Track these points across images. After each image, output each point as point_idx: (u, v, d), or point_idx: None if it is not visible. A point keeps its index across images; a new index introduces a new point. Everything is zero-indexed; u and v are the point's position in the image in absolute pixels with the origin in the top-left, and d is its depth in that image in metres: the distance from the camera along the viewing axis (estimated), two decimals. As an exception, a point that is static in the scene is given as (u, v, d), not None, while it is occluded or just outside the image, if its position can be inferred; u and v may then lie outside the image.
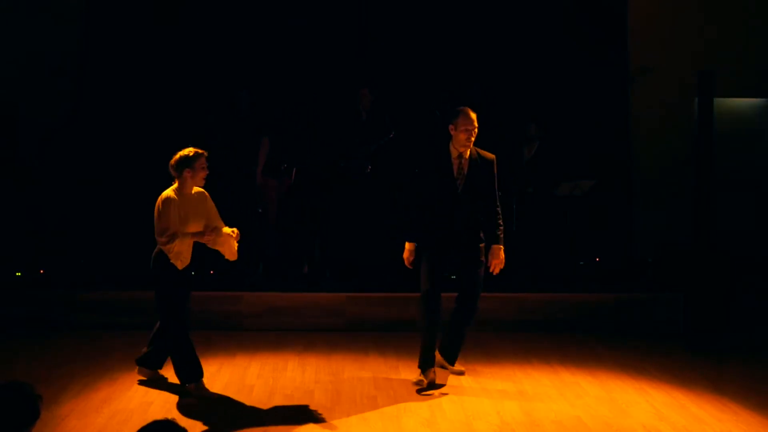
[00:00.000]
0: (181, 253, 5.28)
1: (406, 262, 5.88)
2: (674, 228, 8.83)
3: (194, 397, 5.35)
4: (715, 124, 7.44)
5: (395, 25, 8.92)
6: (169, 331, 5.41)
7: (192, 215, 5.32)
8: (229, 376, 5.89)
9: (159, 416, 4.85)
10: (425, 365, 5.73)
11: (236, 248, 5.52)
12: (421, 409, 5.24)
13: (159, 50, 8.71)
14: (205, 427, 4.84)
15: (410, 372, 5.97)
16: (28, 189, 8.36)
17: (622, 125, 9.11)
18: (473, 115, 5.61)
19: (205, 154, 5.32)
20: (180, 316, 5.39)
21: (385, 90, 8.58)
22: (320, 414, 5.12)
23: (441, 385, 5.70)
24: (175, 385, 5.60)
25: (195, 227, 5.32)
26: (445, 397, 5.48)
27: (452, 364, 5.96)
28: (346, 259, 8.28)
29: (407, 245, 5.87)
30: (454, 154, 5.67)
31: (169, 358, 5.60)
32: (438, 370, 5.83)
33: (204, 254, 5.67)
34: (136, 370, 5.82)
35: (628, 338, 7.17)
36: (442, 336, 5.92)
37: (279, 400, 5.36)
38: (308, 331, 7.20)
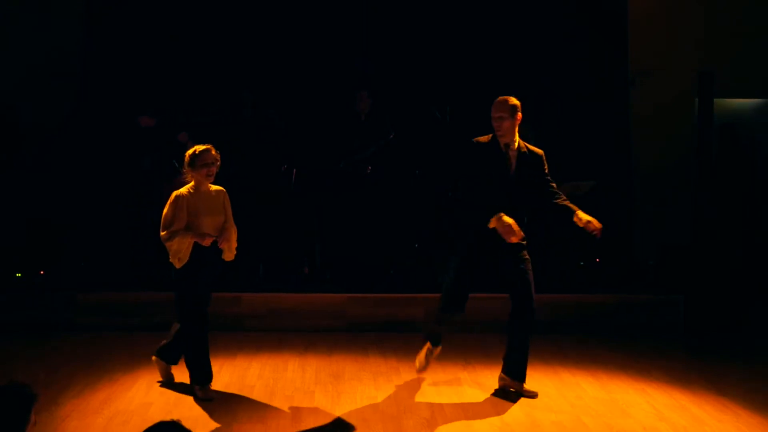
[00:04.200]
0: (179, 252, 5.25)
1: (515, 232, 5.21)
2: (674, 229, 8.84)
3: (196, 397, 5.36)
4: (715, 124, 7.45)
5: (395, 26, 8.92)
6: (181, 330, 5.44)
7: (204, 212, 5.30)
8: (230, 376, 5.89)
9: (159, 417, 4.85)
10: (435, 341, 5.62)
11: (235, 247, 5.51)
12: (421, 409, 5.24)
13: (160, 50, 8.71)
14: (206, 429, 4.84)
15: (411, 373, 5.97)
16: (29, 190, 8.35)
17: (622, 125, 9.11)
18: (495, 106, 5.41)
19: (209, 149, 5.31)
20: (190, 316, 5.37)
21: (385, 91, 8.58)
22: (321, 415, 5.12)
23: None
24: (176, 386, 5.60)
25: (208, 225, 5.29)
26: (445, 398, 5.48)
27: (522, 381, 5.53)
28: (346, 259, 8.27)
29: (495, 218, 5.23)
30: (501, 144, 5.43)
31: (183, 355, 5.60)
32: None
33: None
34: (137, 371, 5.87)
35: (629, 339, 7.17)
36: (505, 353, 5.58)
37: (279, 401, 5.36)
38: (309, 332, 7.20)
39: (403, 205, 8.41)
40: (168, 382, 5.64)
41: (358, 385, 5.76)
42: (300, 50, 8.87)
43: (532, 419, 5.09)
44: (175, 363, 5.65)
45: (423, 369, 5.69)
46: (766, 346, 7.19)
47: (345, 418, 5.07)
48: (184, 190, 5.32)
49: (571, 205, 5.48)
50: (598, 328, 7.40)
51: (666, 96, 9.01)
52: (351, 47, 8.95)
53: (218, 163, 5.36)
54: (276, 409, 5.22)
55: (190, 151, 5.32)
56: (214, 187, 5.40)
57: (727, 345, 7.17)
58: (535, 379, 5.92)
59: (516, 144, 5.46)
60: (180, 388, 5.56)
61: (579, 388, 5.76)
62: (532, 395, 5.51)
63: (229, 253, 5.49)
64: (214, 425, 4.91)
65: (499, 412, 5.20)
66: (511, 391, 5.56)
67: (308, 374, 6.01)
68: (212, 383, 5.47)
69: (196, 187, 5.33)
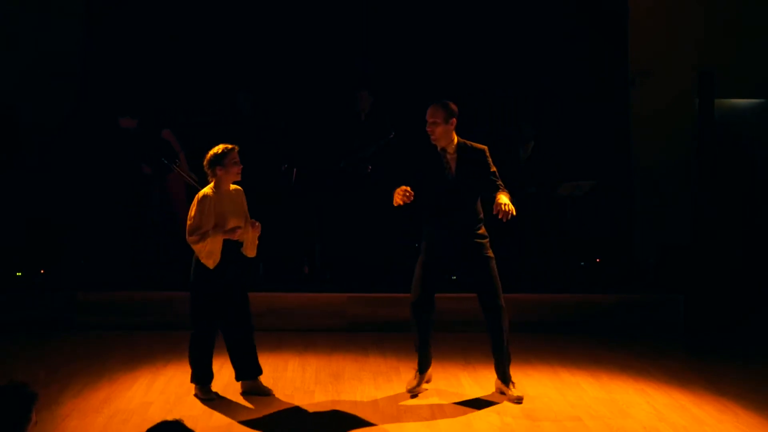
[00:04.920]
0: (213, 252, 5.19)
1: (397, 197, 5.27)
2: (674, 229, 8.84)
3: (197, 396, 5.37)
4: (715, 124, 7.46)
5: (395, 26, 8.93)
6: (192, 328, 5.37)
7: (230, 212, 5.26)
8: (230, 376, 5.86)
9: (159, 416, 4.86)
10: (421, 368, 5.63)
11: (255, 241, 5.46)
12: (421, 409, 5.24)
13: (160, 51, 8.72)
14: (206, 428, 4.84)
15: (410, 372, 5.96)
16: (29, 190, 8.36)
17: (622, 125, 9.12)
18: (429, 110, 5.44)
19: (236, 148, 5.27)
20: (199, 314, 5.32)
21: (385, 91, 8.58)
22: (321, 414, 5.12)
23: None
24: (176, 385, 5.60)
25: (233, 224, 5.26)
26: (445, 397, 5.48)
27: (507, 384, 5.49)
28: (346, 259, 8.27)
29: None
30: (438, 149, 5.50)
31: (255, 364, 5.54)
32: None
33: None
34: (137, 370, 5.91)
35: (629, 339, 7.17)
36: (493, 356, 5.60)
37: (279, 401, 5.36)
38: (309, 332, 7.20)
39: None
40: (266, 393, 5.49)
41: (358, 384, 5.76)
42: (300, 50, 8.88)
43: (532, 419, 5.08)
44: (260, 373, 5.53)
45: (413, 391, 5.56)
46: (765, 346, 7.19)
47: (345, 417, 5.07)
48: (208, 190, 5.25)
49: (499, 192, 5.38)
50: (598, 328, 7.40)
51: (666, 96, 9.01)
52: (351, 47, 8.95)
53: None
54: (276, 408, 5.22)
55: (216, 150, 5.23)
56: (233, 187, 5.37)
57: (727, 345, 7.17)
58: (535, 379, 5.93)
59: (454, 147, 5.47)
60: (180, 387, 5.56)
61: (579, 388, 5.76)
62: (517, 400, 5.41)
63: (252, 249, 5.46)
64: (214, 424, 4.91)
65: (499, 412, 5.20)
66: (501, 394, 5.52)
67: (308, 374, 6.01)
68: (212, 383, 5.47)
69: (218, 187, 5.27)
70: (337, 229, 8.32)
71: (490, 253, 5.47)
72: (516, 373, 6.02)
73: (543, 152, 8.45)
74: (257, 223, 5.42)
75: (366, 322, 7.37)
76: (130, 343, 6.72)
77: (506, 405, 5.34)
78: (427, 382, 5.68)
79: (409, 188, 5.24)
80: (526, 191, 8.30)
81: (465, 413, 5.18)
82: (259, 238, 5.49)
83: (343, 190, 8.22)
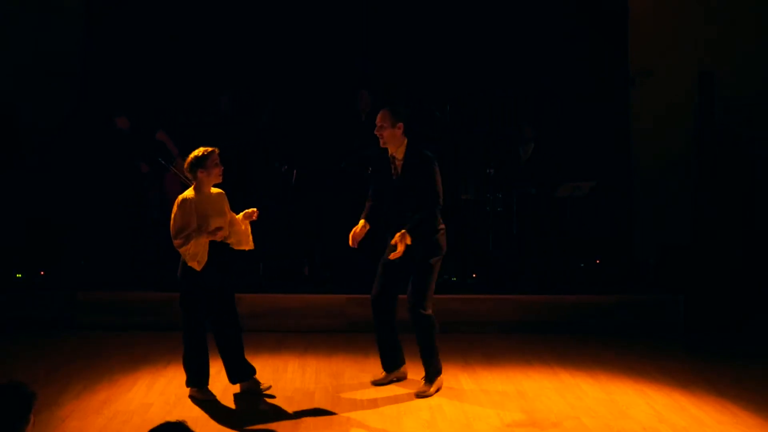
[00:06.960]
0: (197, 255, 5.18)
1: (351, 240, 5.72)
2: (674, 229, 8.84)
3: (194, 399, 5.37)
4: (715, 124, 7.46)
5: (395, 26, 8.94)
6: (184, 332, 5.36)
7: (213, 215, 5.24)
8: (229, 377, 5.89)
9: (159, 417, 4.87)
10: (385, 367, 5.82)
11: (249, 233, 5.47)
12: (421, 410, 5.24)
13: (160, 51, 8.72)
14: (206, 429, 4.84)
15: (410, 373, 5.96)
16: (29, 190, 8.36)
17: (622, 125, 9.11)
18: (378, 115, 5.61)
19: (216, 150, 5.27)
20: (198, 321, 5.32)
21: (386, 91, 8.59)
22: (320, 416, 5.12)
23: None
24: (176, 386, 5.60)
25: (216, 226, 5.23)
26: (445, 399, 5.48)
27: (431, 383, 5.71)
28: (346, 260, 8.26)
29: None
30: (390, 152, 5.70)
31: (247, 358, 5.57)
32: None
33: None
34: (137, 371, 5.91)
35: (629, 340, 7.16)
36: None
37: (279, 402, 5.36)
38: (309, 333, 7.21)
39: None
40: (264, 390, 5.51)
41: (358, 385, 5.76)
42: (301, 50, 8.89)
43: (532, 419, 5.09)
44: (254, 372, 5.55)
45: (378, 383, 5.77)
46: (765, 346, 7.18)
47: (345, 418, 5.07)
48: (189, 193, 5.23)
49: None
50: (598, 328, 7.40)
51: (666, 96, 9.00)
52: (351, 47, 8.96)
53: None
54: (276, 409, 5.22)
55: (196, 153, 5.22)
56: (214, 190, 5.35)
57: (726, 345, 7.17)
58: (534, 379, 5.93)
59: (402, 152, 5.63)
60: (180, 388, 5.55)
61: (578, 388, 5.76)
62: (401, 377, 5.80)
63: (248, 243, 5.47)
64: (214, 425, 4.91)
65: (499, 413, 5.20)
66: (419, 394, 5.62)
67: (308, 375, 6.01)
68: (212, 384, 5.47)
69: (199, 189, 5.25)
70: (337, 229, 8.30)
71: (430, 260, 5.61)
72: (516, 374, 6.05)
73: (543, 152, 8.46)
74: (248, 212, 5.42)
75: (366, 323, 7.30)
76: (130, 343, 6.72)
77: (506, 405, 5.35)
78: (398, 380, 5.80)
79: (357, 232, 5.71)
80: (526, 191, 8.31)
81: (465, 414, 5.18)
82: (260, 238, 5.48)
83: (343, 190, 8.21)
